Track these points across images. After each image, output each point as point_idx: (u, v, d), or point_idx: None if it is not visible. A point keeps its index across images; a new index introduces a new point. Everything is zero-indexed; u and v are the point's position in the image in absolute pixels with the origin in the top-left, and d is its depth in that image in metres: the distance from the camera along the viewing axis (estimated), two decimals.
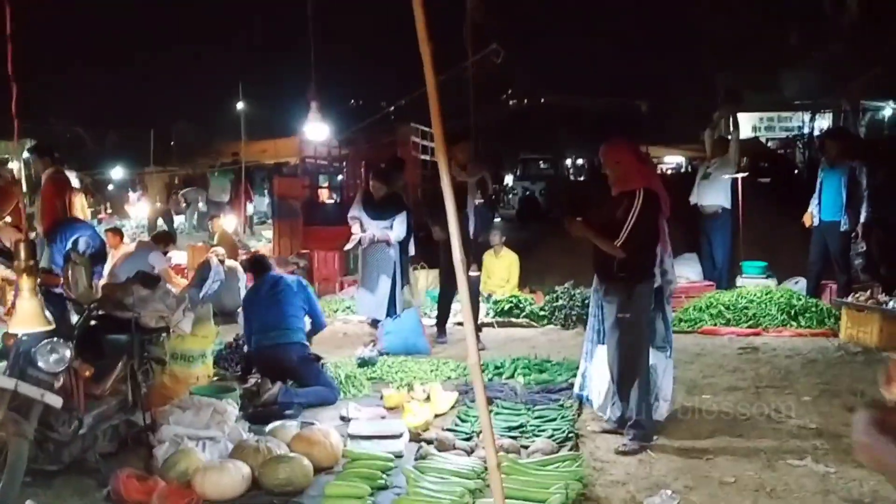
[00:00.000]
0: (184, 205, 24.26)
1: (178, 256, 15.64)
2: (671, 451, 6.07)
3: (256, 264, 8.47)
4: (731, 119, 13.18)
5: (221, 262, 11.59)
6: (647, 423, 6.20)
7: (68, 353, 5.05)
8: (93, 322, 6.04)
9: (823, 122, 27.42)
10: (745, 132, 24.83)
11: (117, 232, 13.86)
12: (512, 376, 8.27)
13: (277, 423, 6.32)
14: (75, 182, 17.05)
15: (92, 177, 20.84)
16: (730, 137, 12.72)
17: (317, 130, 17.82)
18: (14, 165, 18.84)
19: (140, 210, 16.98)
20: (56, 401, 4.94)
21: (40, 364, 4.95)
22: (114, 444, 5.87)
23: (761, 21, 26.83)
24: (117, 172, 22.89)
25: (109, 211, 17.73)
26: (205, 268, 11.43)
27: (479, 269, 9.61)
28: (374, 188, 9.81)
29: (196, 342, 7.15)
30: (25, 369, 4.95)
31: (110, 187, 21.13)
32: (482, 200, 9.43)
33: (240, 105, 15.83)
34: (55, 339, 5.02)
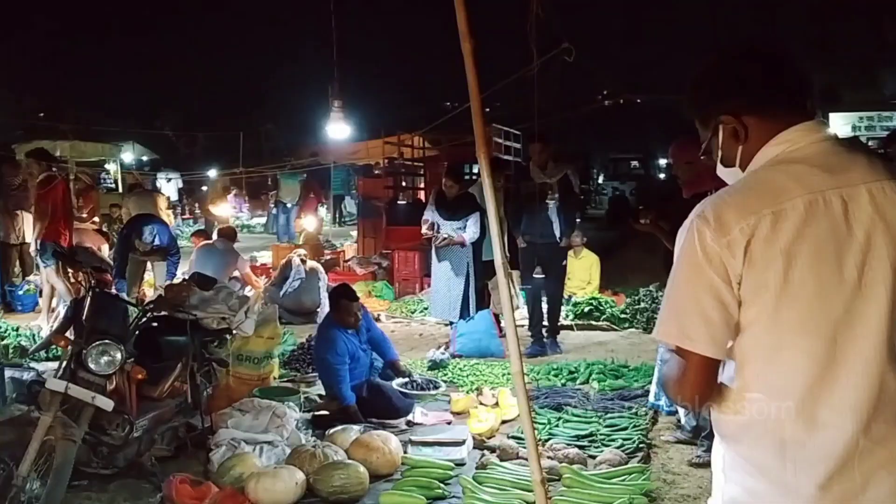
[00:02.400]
0: (272, 206, 24.64)
1: (263, 256, 15.80)
2: None
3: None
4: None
5: (303, 261, 11.61)
6: None
7: (119, 356, 4.99)
8: (154, 324, 6.00)
9: None
10: (844, 131, 24.06)
11: (202, 233, 13.99)
12: (586, 381, 8.05)
13: (338, 427, 6.19)
14: (173, 186, 17.41)
15: (184, 179, 21.32)
16: None
17: (338, 130, 17.85)
18: (111, 167, 19.31)
19: (224, 210, 17.21)
20: (107, 404, 4.88)
21: (91, 366, 4.90)
22: (172, 447, 5.83)
23: (856, 18, 26.03)
24: (211, 174, 23.30)
25: (198, 212, 18.04)
26: (287, 267, 11.52)
27: (546, 272, 9.26)
28: (447, 187, 9.60)
29: (261, 343, 7.08)
30: (77, 372, 4.91)
31: (204, 188, 21.49)
32: (556, 201, 9.13)
33: (335, 107, 15.85)
34: (107, 340, 4.97)
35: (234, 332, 6.46)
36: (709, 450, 5.49)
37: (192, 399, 5.90)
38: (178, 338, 5.87)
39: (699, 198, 2.98)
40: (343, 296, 7.21)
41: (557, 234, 9.27)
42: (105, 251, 12.30)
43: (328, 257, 14.89)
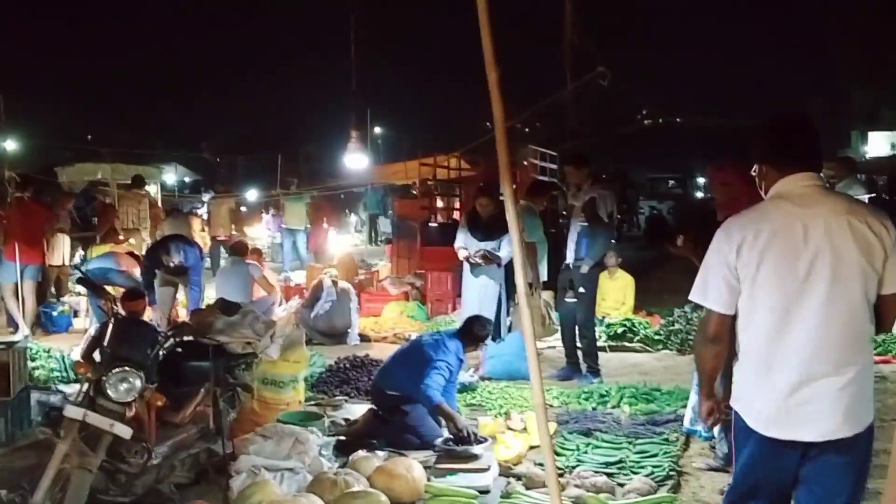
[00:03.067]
0: (325, 226, 24.76)
1: (298, 276, 15.78)
2: None
3: None
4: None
5: (334, 282, 11.56)
6: None
7: (139, 383, 4.94)
8: (179, 349, 5.97)
9: None
10: (885, 150, 23.75)
11: (257, 251, 13.87)
12: (617, 405, 7.91)
13: (361, 453, 6.11)
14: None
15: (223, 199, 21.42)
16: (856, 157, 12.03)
17: (357, 160, 17.72)
18: (151, 189, 19.46)
19: (260, 231, 17.25)
20: (125, 432, 4.83)
21: (110, 393, 4.86)
22: (192, 473, 5.77)
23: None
24: (251, 195, 23.42)
25: (234, 233, 18.03)
26: (318, 288, 11.49)
27: (577, 296, 9.08)
28: (482, 206, 9.45)
29: (287, 367, 7.03)
30: (95, 399, 4.87)
31: (243, 209, 21.57)
32: (586, 223, 8.98)
33: (353, 138, 16.03)
34: (126, 368, 4.94)
35: (260, 356, 6.41)
36: None
37: (214, 425, 5.86)
38: (201, 363, 5.84)
39: None
40: (486, 328, 7.52)
41: (570, 256, 9.12)
42: (138, 274, 12.39)
43: (362, 276, 14.81)
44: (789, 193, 3.48)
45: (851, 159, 12.03)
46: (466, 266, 9.52)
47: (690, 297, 3.66)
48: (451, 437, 6.34)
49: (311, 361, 9.01)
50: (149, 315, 9.25)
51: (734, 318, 3.54)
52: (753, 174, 3.69)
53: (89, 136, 32.17)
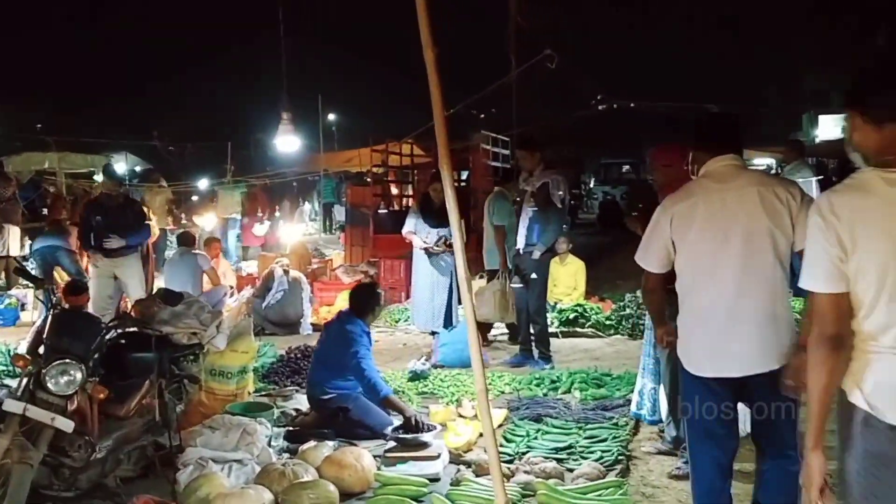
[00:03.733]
0: (276, 214, 24.53)
1: (250, 266, 15.65)
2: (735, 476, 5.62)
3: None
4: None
5: (286, 272, 11.46)
6: None
7: (80, 375, 4.86)
8: (122, 341, 5.88)
9: None
10: (835, 133, 24.01)
11: (216, 240, 13.55)
12: (568, 390, 7.91)
13: (311, 443, 6.07)
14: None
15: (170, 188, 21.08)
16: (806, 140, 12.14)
17: (287, 143, 17.14)
18: (98, 178, 19.16)
19: (208, 220, 16.93)
20: (67, 425, 4.75)
21: (50, 387, 4.78)
22: (139, 467, 5.69)
23: (847, 22, 26.07)
24: (202, 184, 23.08)
25: (184, 221, 17.76)
26: (270, 278, 11.38)
27: (528, 282, 9.07)
28: (436, 190, 9.39)
29: (235, 358, 6.95)
30: (35, 392, 4.79)
31: (194, 198, 21.26)
32: (537, 208, 8.95)
33: (284, 120, 15.64)
34: (67, 360, 4.85)
35: (206, 347, 6.33)
36: (688, 462, 5.39)
37: (161, 417, 5.78)
38: (146, 354, 5.75)
39: None
40: (377, 293, 7.34)
41: (521, 242, 9.07)
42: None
43: (316, 266, 14.74)
44: (712, 173, 4.15)
45: (800, 142, 12.16)
46: (418, 253, 9.51)
47: (636, 258, 4.40)
48: (401, 425, 6.34)
49: (262, 352, 8.96)
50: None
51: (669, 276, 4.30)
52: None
53: (38, 125, 31.65)
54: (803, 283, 2.97)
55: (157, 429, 5.79)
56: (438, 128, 3.65)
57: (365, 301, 7.10)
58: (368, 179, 18.96)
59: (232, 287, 12.13)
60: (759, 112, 35.77)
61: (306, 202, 29.35)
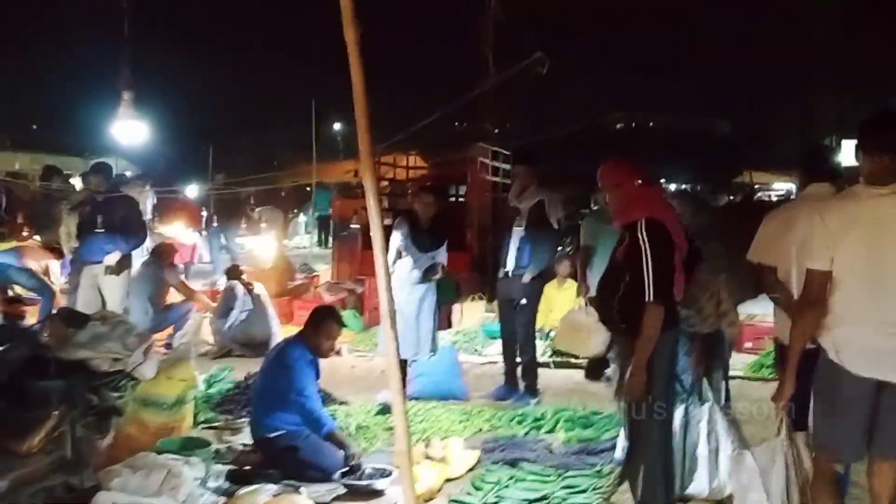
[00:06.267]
0: (263, 225, 23.73)
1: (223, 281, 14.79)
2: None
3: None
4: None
5: (249, 289, 10.61)
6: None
7: None
8: (23, 367, 5.12)
9: None
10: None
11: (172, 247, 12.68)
12: (552, 430, 7.15)
13: (246, 488, 5.29)
14: (148, 201, 16.29)
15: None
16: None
17: (129, 130, 15.15)
18: (76, 182, 18.43)
19: (179, 230, 16.00)
20: None
21: None
22: None
23: (872, 44, 25.44)
24: (189, 189, 22.21)
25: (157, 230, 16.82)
26: (229, 296, 10.47)
27: (517, 308, 8.31)
28: (425, 205, 8.46)
29: (170, 386, 6.14)
30: None
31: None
32: (531, 228, 8.21)
33: (124, 100, 14.31)
34: None
35: (130, 374, 5.55)
36: None
37: (73, 454, 5.02)
38: (53, 382, 4.99)
39: (629, 229, 4.91)
40: (333, 317, 6.42)
41: (509, 264, 8.35)
42: (55, 268, 11.44)
43: (299, 281, 13.93)
44: (810, 194, 5.23)
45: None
46: (402, 275, 8.56)
47: (809, 265, 4.18)
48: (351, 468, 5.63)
49: (220, 376, 8.20)
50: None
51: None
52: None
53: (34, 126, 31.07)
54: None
55: (69, 467, 5.02)
56: (360, 123, 2.95)
57: (315, 326, 6.27)
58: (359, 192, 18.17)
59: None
60: (777, 133, 34.99)
61: (301, 213, 28.49)
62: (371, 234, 3.19)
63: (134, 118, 14.39)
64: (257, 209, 22.49)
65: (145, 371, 5.65)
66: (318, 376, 6.23)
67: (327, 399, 7.60)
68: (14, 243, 11.36)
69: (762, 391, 7.39)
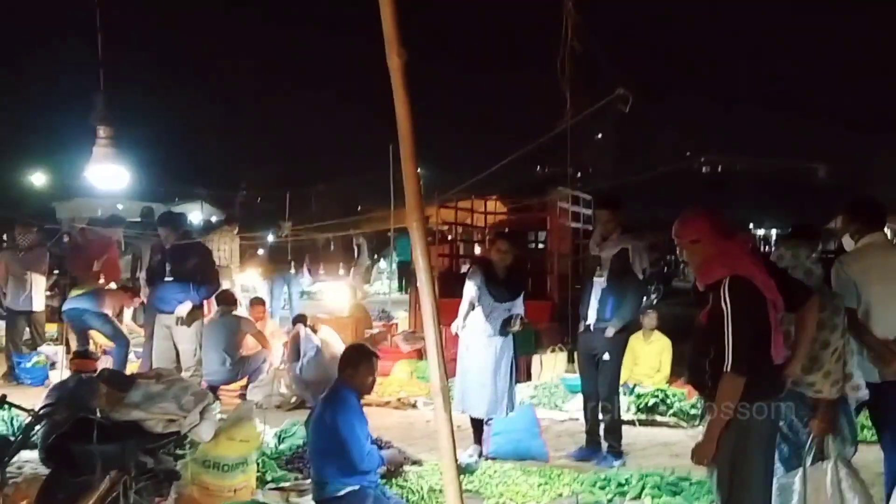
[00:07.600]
0: (341, 272, 23.60)
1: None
2: None
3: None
4: None
5: (314, 330, 10.42)
6: None
7: None
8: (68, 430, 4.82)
9: None
10: None
11: (261, 302, 12.45)
12: (638, 496, 6.67)
13: None
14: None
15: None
16: None
17: (103, 174, 13.38)
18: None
19: (252, 278, 15.84)
20: None
21: None
22: None
23: None
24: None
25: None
26: (296, 339, 10.33)
27: (603, 364, 7.84)
28: (500, 253, 8.03)
29: (233, 448, 5.83)
30: None
31: (260, 252, 20.45)
32: (615, 279, 7.76)
33: (100, 136, 13.81)
34: None
35: (186, 435, 5.25)
36: None
37: None
38: (104, 446, 4.69)
39: (712, 289, 4.49)
40: (368, 354, 6.06)
41: (589, 315, 7.92)
42: (127, 314, 11.39)
43: (376, 330, 13.60)
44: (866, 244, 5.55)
45: None
46: (476, 327, 8.12)
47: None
48: None
49: (291, 431, 7.85)
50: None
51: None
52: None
53: None
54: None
55: None
56: (406, 163, 2.61)
57: (355, 367, 5.89)
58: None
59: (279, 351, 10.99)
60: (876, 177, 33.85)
61: (381, 259, 28.35)
62: (419, 289, 2.87)
63: (111, 158, 13.67)
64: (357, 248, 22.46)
65: (202, 432, 5.32)
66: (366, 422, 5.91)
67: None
68: (91, 286, 11.27)
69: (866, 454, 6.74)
